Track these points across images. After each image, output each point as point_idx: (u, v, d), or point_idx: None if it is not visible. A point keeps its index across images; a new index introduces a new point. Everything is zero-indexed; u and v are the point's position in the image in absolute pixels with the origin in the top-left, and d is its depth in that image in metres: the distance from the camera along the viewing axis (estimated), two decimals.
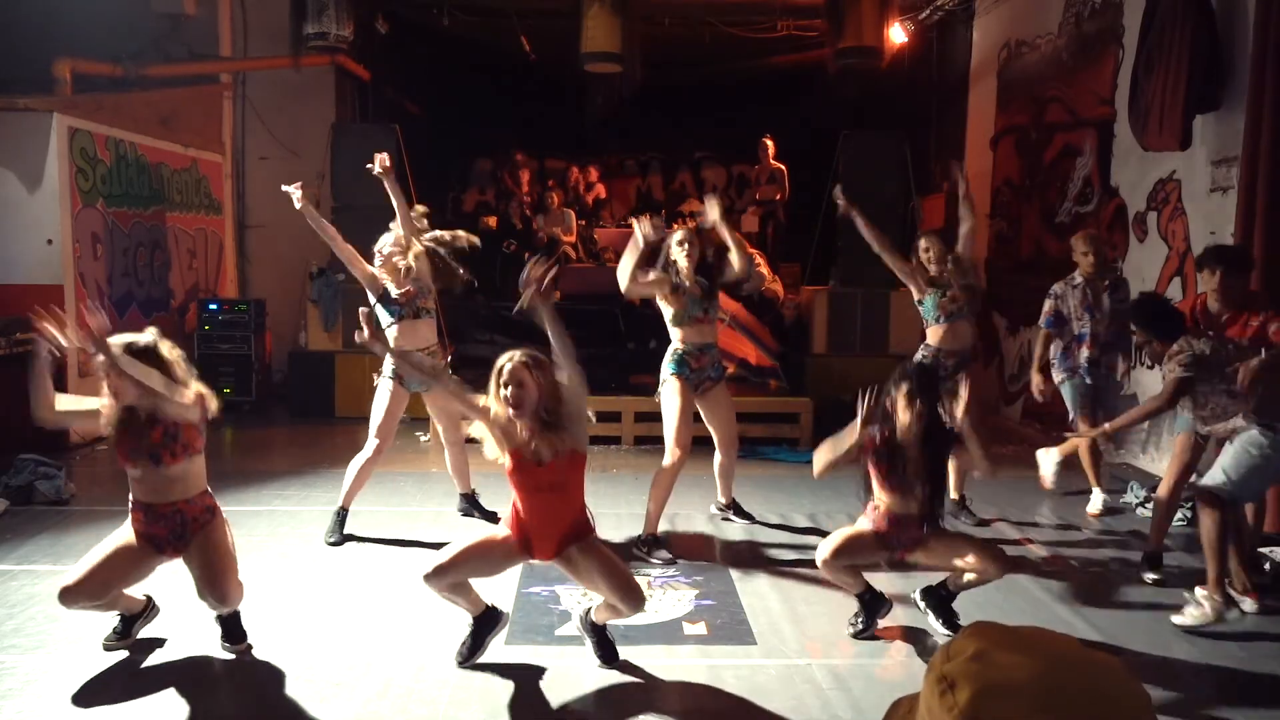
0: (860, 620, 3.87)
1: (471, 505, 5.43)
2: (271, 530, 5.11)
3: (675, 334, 5.02)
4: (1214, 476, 4.08)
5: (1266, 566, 4.76)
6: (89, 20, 7.75)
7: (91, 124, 7.44)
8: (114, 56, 8.09)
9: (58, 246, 7.03)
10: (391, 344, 4.87)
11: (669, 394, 4.93)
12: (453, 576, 3.38)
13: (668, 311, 5.00)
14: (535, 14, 9.37)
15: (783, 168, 10.70)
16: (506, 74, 10.48)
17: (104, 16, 7.90)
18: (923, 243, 5.46)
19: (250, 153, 9.99)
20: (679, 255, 4.95)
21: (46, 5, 7.58)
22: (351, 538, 5.03)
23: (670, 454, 4.82)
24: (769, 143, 10.65)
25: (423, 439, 7.63)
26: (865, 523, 3.84)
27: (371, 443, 5.00)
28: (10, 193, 6.91)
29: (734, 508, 5.53)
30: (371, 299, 5.05)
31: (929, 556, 3.83)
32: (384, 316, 4.99)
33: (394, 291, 5.01)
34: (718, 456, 5.36)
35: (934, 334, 5.43)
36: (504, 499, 3.71)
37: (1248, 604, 4.18)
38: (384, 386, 5.02)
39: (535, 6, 9.31)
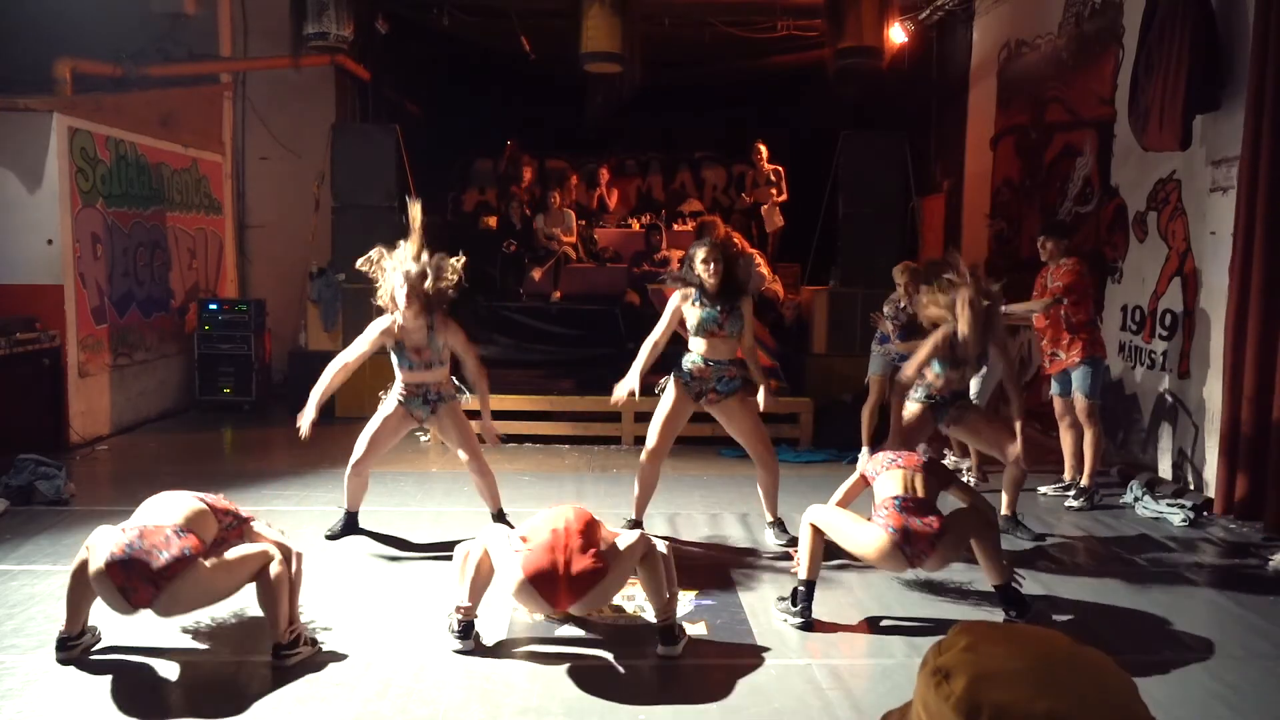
0: (796, 610, 3.94)
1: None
2: (270, 530, 5.09)
3: (693, 343, 5.00)
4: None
5: (1269, 567, 4.77)
6: (89, 20, 7.74)
7: (91, 124, 7.43)
8: (114, 56, 8.08)
9: (58, 246, 7.02)
10: (400, 381, 4.93)
11: (664, 394, 5.05)
12: None
13: (690, 321, 4.97)
14: (535, 14, 9.36)
15: (780, 169, 10.69)
16: (506, 74, 10.48)
17: (104, 16, 7.89)
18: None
19: (250, 153, 9.99)
20: (703, 271, 4.88)
21: (46, 5, 7.57)
22: (362, 529, 5.10)
23: (645, 448, 5.02)
24: (762, 146, 10.64)
25: (423, 439, 7.63)
26: (876, 532, 3.87)
27: (355, 452, 4.97)
28: (10, 193, 6.91)
29: (778, 524, 5.21)
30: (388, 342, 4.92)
31: (947, 556, 3.90)
32: (397, 360, 4.92)
33: (407, 347, 4.88)
34: (759, 473, 5.18)
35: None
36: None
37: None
38: (387, 405, 4.97)
39: (535, 6, 9.31)
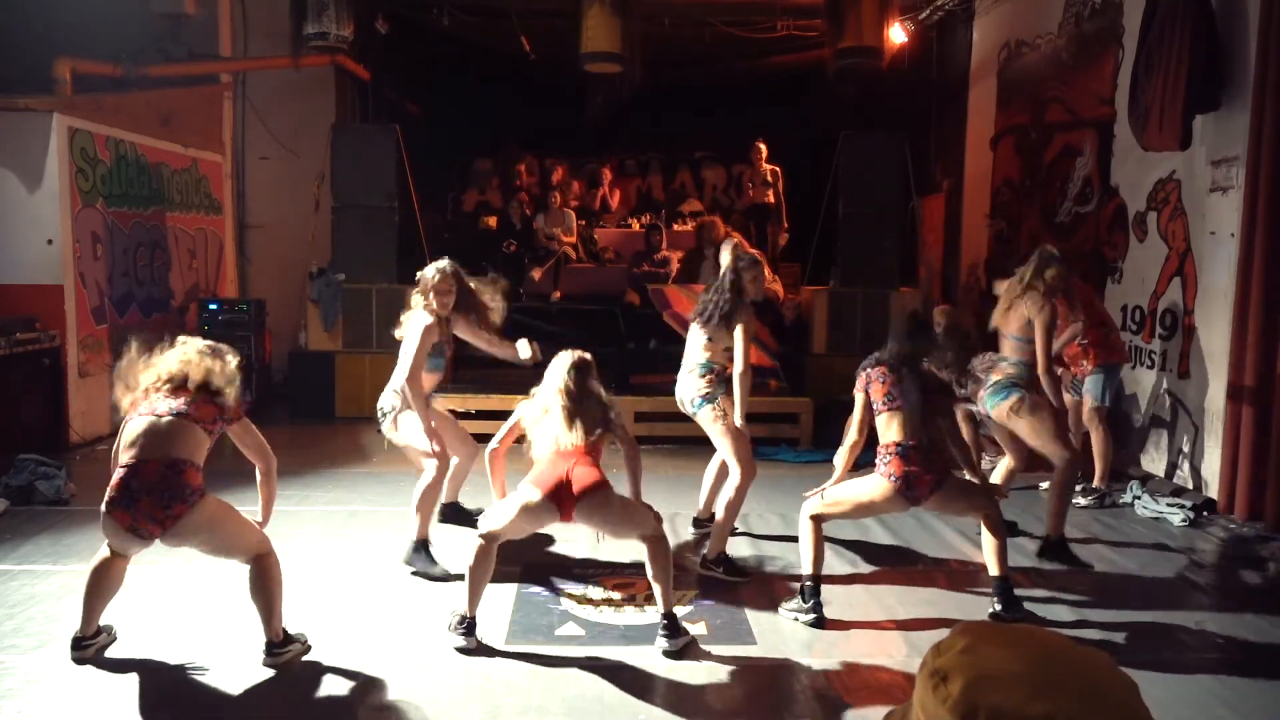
0: (808, 607, 3.93)
1: (455, 513, 5.29)
2: (270, 531, 5.07)
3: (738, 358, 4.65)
4: None
5: (1270, 567, 4.77)
6: (89, 20, 7.74)
7: (91, 124, 7.43)
8: (114, 56, 8.08)
9: (58, 246, 7.03)
10: (426, 388, 4.71)
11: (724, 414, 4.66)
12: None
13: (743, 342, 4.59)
14: (535, 14, 9.36)
15: (777, 169, 10.69)
16: (506, 74, 10.48)
17: (104, 16, 7.90)
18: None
19: (250, 153, 9.99)
20: (749, 284, 4.67)
21: (46, 5, 7.57)
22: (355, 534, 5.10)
23: (743, 470, 4.67)
24: (762, 146, 10.65)
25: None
26: (877, 480, 3.89)
27: (429, 464, 4.59)
28: (10, 193, 6.91)
29: (705, 521, 5.13)
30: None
31: (945, 504, 3.93)
32: (430, 363, 4.73)
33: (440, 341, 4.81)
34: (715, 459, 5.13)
35: None
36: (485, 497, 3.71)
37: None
38: (407, 422, 4.64)
39: (535, 6, 9.31)
